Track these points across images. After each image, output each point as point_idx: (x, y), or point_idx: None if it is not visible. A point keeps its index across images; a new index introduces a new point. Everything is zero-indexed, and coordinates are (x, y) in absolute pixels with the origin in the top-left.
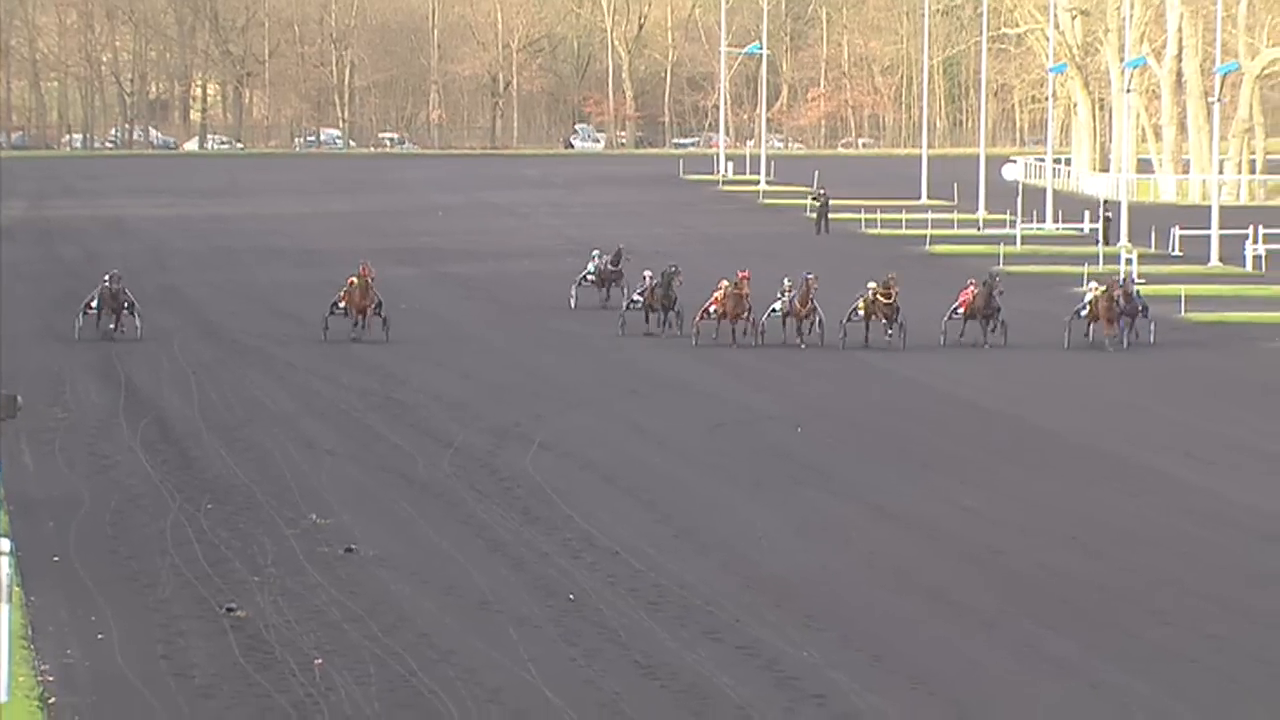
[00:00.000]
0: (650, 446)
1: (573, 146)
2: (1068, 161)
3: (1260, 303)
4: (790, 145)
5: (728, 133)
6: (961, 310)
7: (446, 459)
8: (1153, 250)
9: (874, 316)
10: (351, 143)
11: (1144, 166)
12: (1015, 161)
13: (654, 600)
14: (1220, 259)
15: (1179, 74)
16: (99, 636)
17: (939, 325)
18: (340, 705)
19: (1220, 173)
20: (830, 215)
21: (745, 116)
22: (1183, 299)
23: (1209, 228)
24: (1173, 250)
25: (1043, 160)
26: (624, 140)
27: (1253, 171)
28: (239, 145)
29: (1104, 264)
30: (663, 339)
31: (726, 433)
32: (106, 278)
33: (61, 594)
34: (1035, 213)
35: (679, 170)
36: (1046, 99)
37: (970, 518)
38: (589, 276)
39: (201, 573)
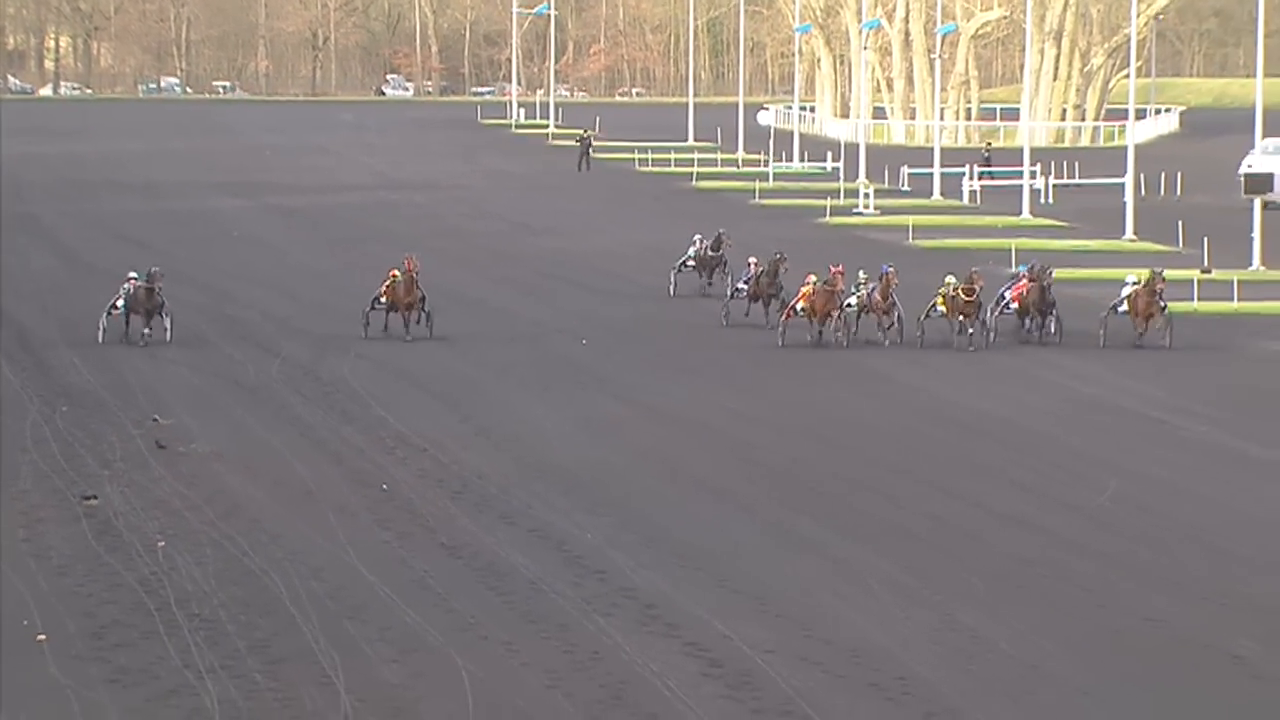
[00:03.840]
0: (453, 355)
1: (384, 94)
2: (813, 109)
3: (976, 230)
4: (575, 94)
5: (520, 83)
6: (1014, 305)
7: (274, 367)
8: (886, 186)
9: (953, 314)
10: (188, 90)
11: (878, 114)
12: (768, 109)
13: (457, 490)
14: (942, 194)
15: (907, 34)
16: None
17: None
18: (181, 582)
19: (941, 119)
20: (595, 155)
21: (536, 69)
22: (910, 228)
23: (932, 167)
24: (902, 186)
25: (792, 108)
26: (430, 89)
27: (969, 118)
28: (88, 91)
29: (844, 198)
30: (766, 328)
31: (519, 344)
32: (133, 274)
33: None
34: (785, 153)
35: (478, 116)
36: (794, 55)
37: (732, 417)
38: (688, 262)
39: (57, 467)
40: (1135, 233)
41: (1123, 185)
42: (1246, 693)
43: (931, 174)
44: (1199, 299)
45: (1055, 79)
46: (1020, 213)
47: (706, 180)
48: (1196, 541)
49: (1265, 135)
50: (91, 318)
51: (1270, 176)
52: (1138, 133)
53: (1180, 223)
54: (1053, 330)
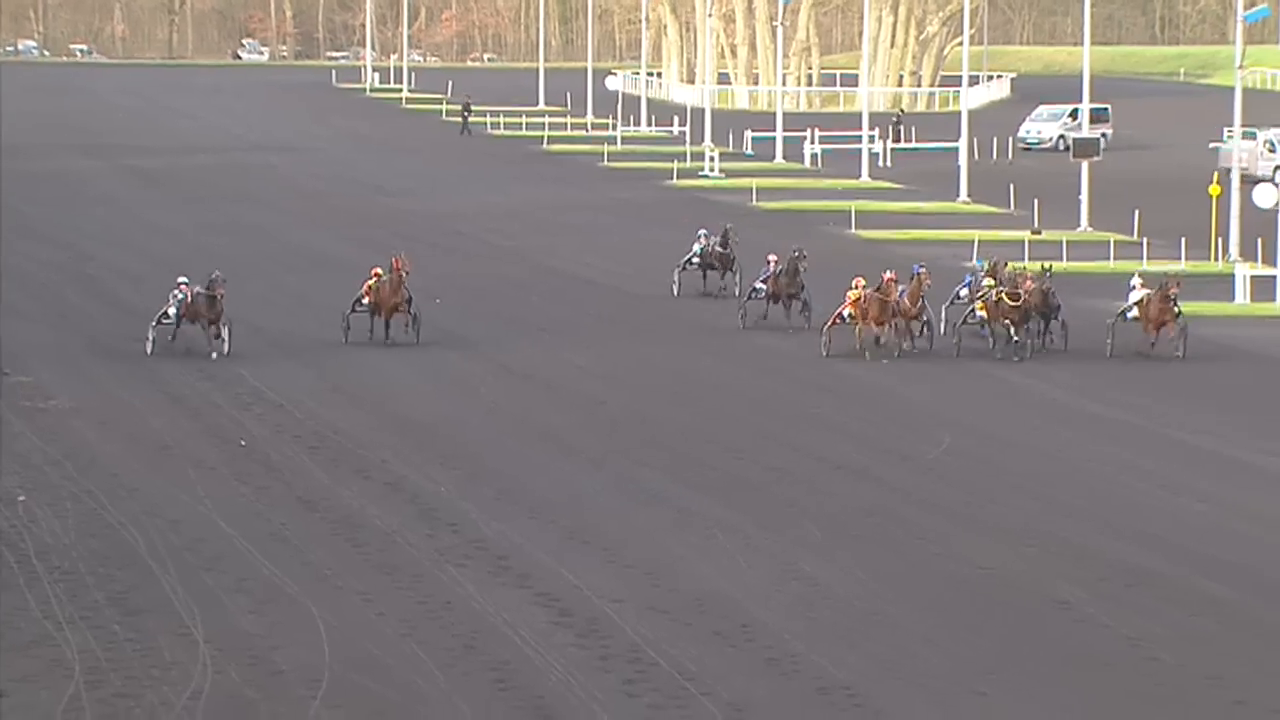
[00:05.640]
0: (307, 315)
1: (240, 58)
2: (660, 75)
3: (817, 193)
4: (428, 59)
5: (374, 47)
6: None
7: (133, 326)
8: (730, 150)
9: (995, 320)
10: (46, 53)
11: (723, 79)
12: (617, 75)
13: (314, 445)
14: (784, 157)
15: (750, 1)
16: None
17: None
18: (41, 535)
19: (784, 85)
20: (450, 119)
21: (389, 33)
22: (754, 190)
23: (775, 131)
24: (746, 150)
25: (639, 74)
26: (285, 53)
27: (810, 84)
28: None
29: (690, 162)
30: (788, 332)
31: None
32: (183, 279)
33: None
34: (633, 118)
35: (332, 79)
36: (642, 22)
37: (579, 373)
38: (693, 260)
39: None
40: (969, 195)
41: (957, 149)
42: (1071, 635)
43: (774, 138)
44: (1029, 259)
45: (893, 46)
46: (859, 176)
47: (557, 144)
48: (1025, 492)
49: (1092, 100)
50: None
51: (1097, 141)
52: (971, 98)
53: (1011, 185)
54: (1055, 337)
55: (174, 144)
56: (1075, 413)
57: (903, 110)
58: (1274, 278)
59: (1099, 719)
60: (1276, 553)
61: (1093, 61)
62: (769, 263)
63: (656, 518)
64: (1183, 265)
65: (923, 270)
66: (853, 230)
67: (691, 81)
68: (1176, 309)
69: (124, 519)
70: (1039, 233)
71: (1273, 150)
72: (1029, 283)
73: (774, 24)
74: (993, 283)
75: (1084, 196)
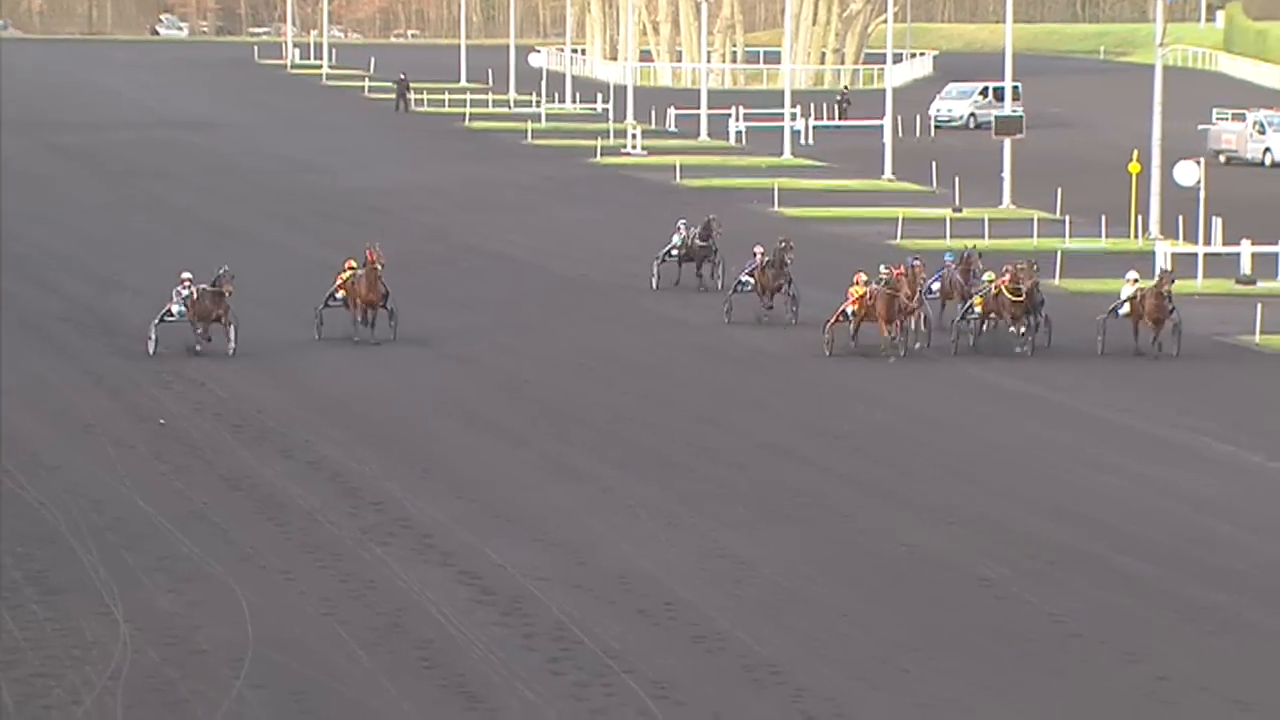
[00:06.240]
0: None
1: (159, 34)
2: (583, 51)
3: (741, 170)
4: (350, 35)
5: (295, 23)
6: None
7: (55, 304)
8: (653, 127)
9: (994, 316)
10: None
11: (645, 56)
12: (540, 51)
13: (236, 424)
14: (709, 135)
15: None
16: None
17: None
18: None
19: (708, 62)
20: (371, 96)
21: (310, 9)
22: (678, 168)
23: (699, 108)
24: (669, 127)
25: (563, 50)
26: (205, 29)
27: (734, 61)
28: None
29: (614, 139)
30: (779, 326)
31: (297, 285)
32: (187, 275)
33: None
34: (557, 94)
35: (254, 56)
36: None
37: (503, 352)
38: (673, 252)
39: None
40: (893, 172)
41: (881, 127)
42: (992, 611)
43: (698, 115)
44: (951, 237)
45: (815, 24)
46: (782, 153)
47: (480, 120)
48: (949, 470)
49: (1015, 78)
50: None
51: (1020, 119)
52: (894, 76)
53: (934, 163)
54: (1037, 333)
55: (94, 120)
56: (999, 391)
57: (847, 88)
58: (1195, 255)
59: (1021, 695)
60: (1196, 529)
61: (1014, 39)
62: (755, 255)
63: (580, 496)
64: (1104, 243)
65: (918, 263)
66: (775, 208)
67: (615, 58)
68: (1171, 306)
69: (44, 498)
70: (960, 210)
71: (1262, 132)
72: (1008, 277)
73: (698, 1)
74: (993, 276)
75: (1006, 174)
